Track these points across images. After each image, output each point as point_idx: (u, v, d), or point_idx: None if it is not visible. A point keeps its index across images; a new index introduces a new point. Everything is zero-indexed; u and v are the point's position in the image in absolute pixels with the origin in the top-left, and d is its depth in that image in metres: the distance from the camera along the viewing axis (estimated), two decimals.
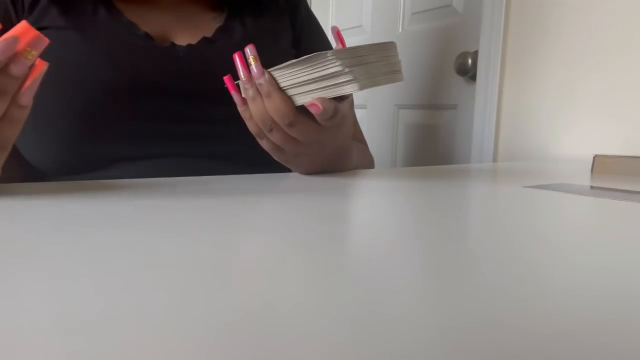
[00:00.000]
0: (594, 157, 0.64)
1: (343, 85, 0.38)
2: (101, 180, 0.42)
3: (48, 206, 0.29)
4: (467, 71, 1.21)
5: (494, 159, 1.14)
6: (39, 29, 0.52)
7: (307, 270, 0.17)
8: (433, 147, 1.37)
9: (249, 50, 0.41)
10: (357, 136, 0.72)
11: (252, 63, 0.41)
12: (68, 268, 0.17)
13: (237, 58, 0.42)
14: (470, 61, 1.20)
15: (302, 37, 0.67)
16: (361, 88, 0.38)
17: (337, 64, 0.37)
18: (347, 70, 0.37)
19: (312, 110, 0.39)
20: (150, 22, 0.57)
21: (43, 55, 0.51)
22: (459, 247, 0.21)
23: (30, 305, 0.14)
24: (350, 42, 1.55)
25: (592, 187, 0.45)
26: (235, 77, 0.43)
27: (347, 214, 0.29)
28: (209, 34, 0.58)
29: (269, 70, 0.41)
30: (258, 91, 0.41)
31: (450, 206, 0.32)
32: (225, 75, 0.43)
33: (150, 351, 0.11)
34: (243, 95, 0.43)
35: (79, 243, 0.21)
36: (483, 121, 1.14)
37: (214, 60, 0.55)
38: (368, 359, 0.11)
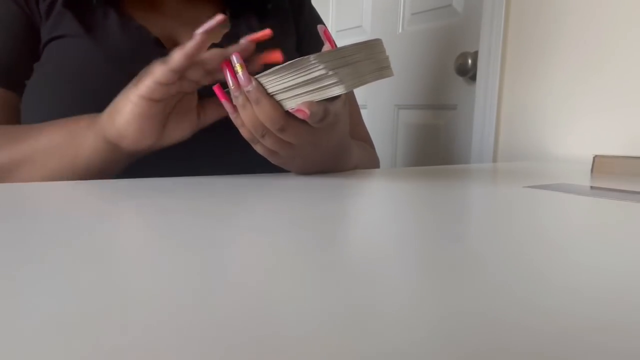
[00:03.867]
0: (594, 157, 0.64)
1: (329, 88, 0.38)
2: (101, 180, 0.42)
3: (49, 205, 0.29)
4: (467, 71, 1.21)
5: (494, 159, 1.14)
6: (55, 37, 0.52)
7: (307, 271, 0.17)
8: (433, 147, 1.38)
9: (235, 59, 0.41)
10: (363, 136, 0.71)
11: (239, 71, 0.41)
12: (69, 268, 0.17)
13: (225, 67, 0.42)
14: (470, 61, 1.20)
15: (304, 39, 0.67)
16: (347, 89, 0.38)
17: (320, 67, 0.37)
18: (331, 73, 0.38)
19: (299, 115, 0.39)
20: (158, 27, 0.57)
21: (58, 64, 0.51)
22: (459, 247, 0.21)
23: (30, 304, 0.14)
24: (350, 42, 1.55)
25: (592, 187, 0.45)
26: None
27: (347, 214, 0.29)
28: (216, 39, 0.58)
29: (256, 77, 0.41)
30: (247, 98, 0.41)
31: (450, 206, 0.32)
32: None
33: (151, 351, 0.11)
34: (233, 102, 0.43)
35: (79, 242, 0.21)
36: (483, 121, 1.14)
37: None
38: (369, 358, 0.11)
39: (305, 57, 0.37)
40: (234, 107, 0.43)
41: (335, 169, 0.52)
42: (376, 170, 0.57)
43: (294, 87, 0.39)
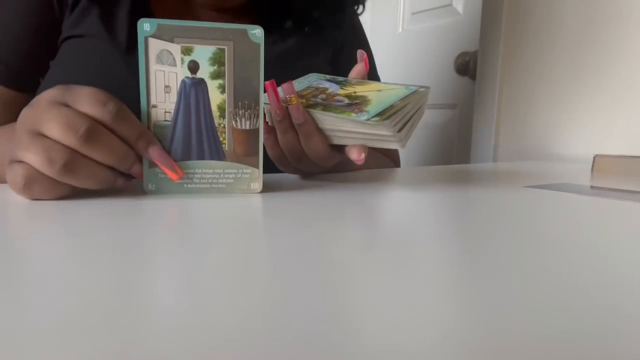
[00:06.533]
0: (594, 157, 0.64)
1: (389, 142, 0.38)
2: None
3: (53, 205, 0.29)
4: (467, 71, 1.22)
5: (494, 159, 1.14)
6: (74, 36, 0.49)
7: (314, 271, 0.17)
8: (433, 147, 1.38)
9: (286, 89, 0.38)
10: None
11: (294, 102, 0.38)
12: (71, 267, 0.17)
13: (269, 88, 0.37)
14: (470, 61, 1.20)
15: (343, 50, 0.64)
16: (404, 145, 0.38)
17: (390, 128, 0.36)
18: (397, 133, 0.37)
19: (358, 163, 0.38)
20: None
21: (73, 67, 0.48)
22: (460, 248, 0.21)
23: (32, 305, 0.14)
24: None
25: (592, 187, 0.45)
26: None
27: (348, 214, 0.29)
28: None
29: (309, 110, 0.38)
30: (291, 125, 0.39)
31: (451, 206, 0.32)
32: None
33: (156, 353, 0.11)
34: (270, 123, 0.40)
35: (80, 242, 0.21)
36: (483, 121, 1.14)
37: None
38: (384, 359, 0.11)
39: (384, 120, 0.36)
40: (270, 128, 0.40)
41: (339, 171, 0.52)
42: (376, 170, 0.57)
43: (351, 131, 0.38)
